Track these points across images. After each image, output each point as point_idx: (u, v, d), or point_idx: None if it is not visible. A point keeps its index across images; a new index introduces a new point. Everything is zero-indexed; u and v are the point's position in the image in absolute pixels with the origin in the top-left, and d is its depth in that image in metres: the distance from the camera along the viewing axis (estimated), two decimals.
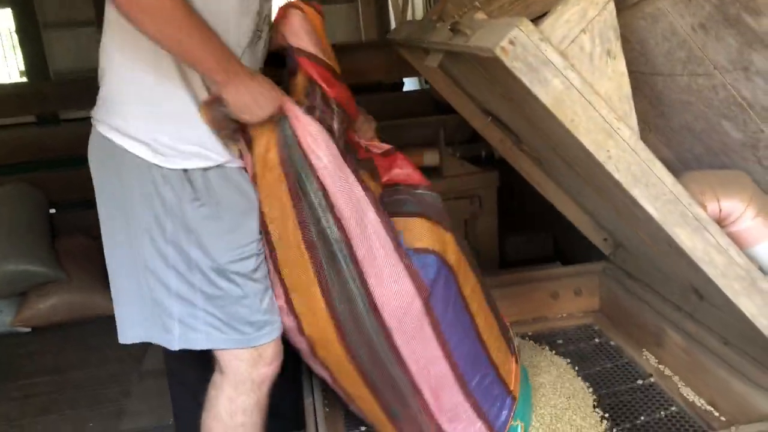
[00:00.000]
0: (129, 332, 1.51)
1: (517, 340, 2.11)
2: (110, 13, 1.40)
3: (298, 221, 1.44)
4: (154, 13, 1.22)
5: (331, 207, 1.42)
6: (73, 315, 3.45)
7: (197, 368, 1.85)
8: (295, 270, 1.47)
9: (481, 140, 2.42)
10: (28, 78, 5.25)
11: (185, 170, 1.41)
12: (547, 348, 2.08)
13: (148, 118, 1.40)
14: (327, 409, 1.74)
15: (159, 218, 1.41)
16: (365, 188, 1.47)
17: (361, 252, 1.43)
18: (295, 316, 1.50)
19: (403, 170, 1.64)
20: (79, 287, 3.46)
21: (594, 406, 1.78)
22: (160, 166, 1.40)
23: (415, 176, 1.64)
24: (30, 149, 3.89)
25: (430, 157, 3.02)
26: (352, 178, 1.45)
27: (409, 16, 2.97)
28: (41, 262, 3.41)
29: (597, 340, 2.13)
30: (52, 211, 3.90)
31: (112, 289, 1.52)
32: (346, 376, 1.54)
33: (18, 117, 4.29)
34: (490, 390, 1.58)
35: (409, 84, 4.76)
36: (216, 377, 1.56)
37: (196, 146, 1.41)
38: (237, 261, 1.45)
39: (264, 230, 1.49)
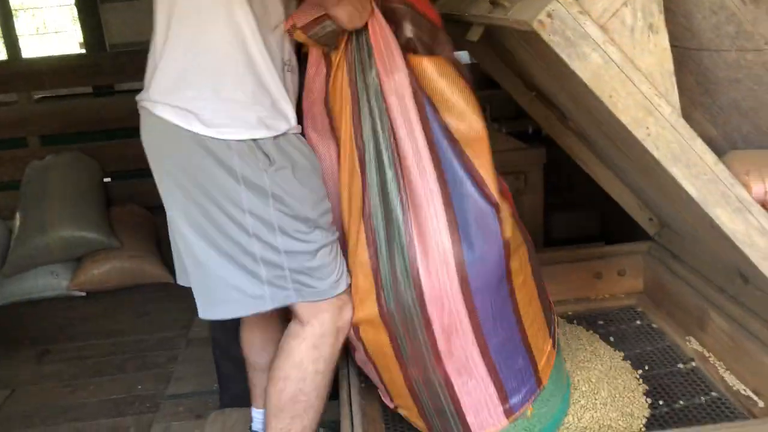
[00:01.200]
0: (213, 310, 1.56)
1: (561, 328, 2.09)
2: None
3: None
4: None
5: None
6: (125, 281, 3.56)
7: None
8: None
9: (528, 116, 2.38)
10: (86, 50, 5.38)
11: (254, 140, 1.45)
12: (591, 331, 2.06)
13: (214, 99, 1.43)
14: (362, 385, 1.77)
15: (229, 191, 1.44)
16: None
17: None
18: None
19: None
20: (131, 255, 3.57)
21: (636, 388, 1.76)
22: (225, 140, 1.43)
23: None
24: (86, 120, 4.00)
25: None
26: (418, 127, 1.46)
27: None
28: (96, 230, 3.53)
29: (639, 322, 2.09)
30: (107, 180, 4.02)
31: (191, 273, 1.55)
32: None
33: (75, 88, 4.41)
34: (513, 358, 1.51)
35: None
36: (295, 328, 1.57)
37: (263, 117, 1.45)
38: (323, 214, 1.53)
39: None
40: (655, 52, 1.20)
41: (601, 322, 2.10)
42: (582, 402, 1.70)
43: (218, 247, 1.48)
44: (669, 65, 1.21)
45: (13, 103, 4.11)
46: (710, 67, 1.39)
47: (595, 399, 1.71)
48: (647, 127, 1.21)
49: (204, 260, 1.50)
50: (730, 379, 1.72)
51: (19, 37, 5.91)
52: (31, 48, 8.39)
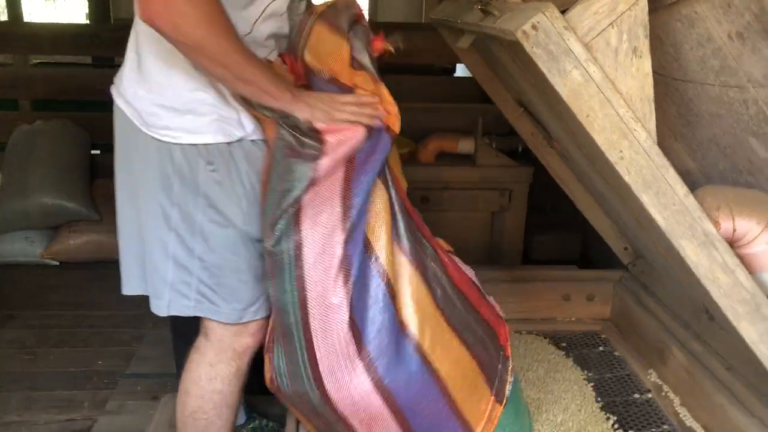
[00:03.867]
0: (129, 285, 1.55)
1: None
2: None
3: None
4: (209, 51, 1.25)
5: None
6: (100, 255, 3.53)
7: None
8: None
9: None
10: (90, 21, 5.36)
11: (205, 144, 1.40)
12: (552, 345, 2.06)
13: (163, 100, 1.39)
14: None
15: (167, 179, 1.41)
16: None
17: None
18: None
19: None
20: (110, 229, 3.48)
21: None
22: (178, 144, 1.40)
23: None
24: (80, 88, 3.96)
25: (465, 145, 2.99)
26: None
27: None
28: (77, 200, 3.49)
29: (602, 348, 2.09)
30: (95, 152, 3.98)
31: (119, 243, 1.54)
32: None
33: (76, 57, 4.37)
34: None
35: (461, 71, 4.70)
36: (200, 341, 1.56)
37: (217, 122, 1.40)
38: (249, 224, 1.44)
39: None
40: (637, 77, 1.19)
41: (564, 344, 2.10)
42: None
43: (142, 230, 1.46)
44: (649, 91, 1.20)
45: (8, 65, 4.07)
46: (694, 99, 1.39)
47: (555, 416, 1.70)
48: (621, 151, 1.21)
49: (129, 238, 1.49)
50: (684, 414, 1.72)
51: (24, 1, 5.88)
52: (41, 16, 8.35)
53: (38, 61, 4.53)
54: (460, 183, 2.94)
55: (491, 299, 1.62)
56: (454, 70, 4.43)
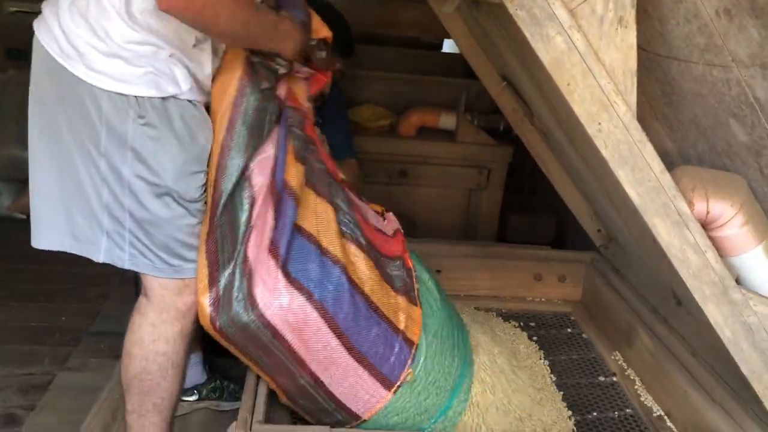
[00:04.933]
0: (45, 238, 1.46)
1: (486, 315, 2.07)
2: None
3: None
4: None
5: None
6: None
7: None
8: None
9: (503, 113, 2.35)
10: None
11: (136, 96, 1.36)
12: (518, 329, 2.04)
13: (100, 44, 1.34)
14: None
15: (94, 128, 1.36)
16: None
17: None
18: None
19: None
20: None
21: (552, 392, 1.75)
22: (106, 90, 1.34)
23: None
24: None
25: (446, 120, 2.95)
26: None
27: None
28: None
29: (570, 330, 2.08)
30: None
31: (31, 193, 1.46)
32: None
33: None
34: (367, 329, 1.45)
35: (449, 47, 4.65)
36: (141, 301, 1.52)
37: (150, 75, 1.36)
38: (187, 191, 1.42)
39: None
40: (621, 48, 1.17)
41: (532, 324, 2.09)
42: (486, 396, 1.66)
43: (71, 179, 1.39)
44: (633, 64, 1.18)
45: None
46: (676, 77, 1.37)
47: (504, 396, 1.68)
48: (600, 123, 1.18)
49: (49, 187, 1.42)
50: (647, 398, 1.72)
51: None
52: None
53: (15, 9, 4.40)
54: (438, 158, 2.91)
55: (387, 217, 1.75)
56: (441, 45, 4.37)
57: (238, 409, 1.45)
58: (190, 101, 1.42)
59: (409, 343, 1.48)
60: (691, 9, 1.21)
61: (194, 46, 1.41)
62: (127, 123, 1.35)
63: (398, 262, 1.60)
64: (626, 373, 1.82)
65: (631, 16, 1.15)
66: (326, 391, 1.44)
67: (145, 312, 1.50)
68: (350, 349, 1.41)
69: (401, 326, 1.48)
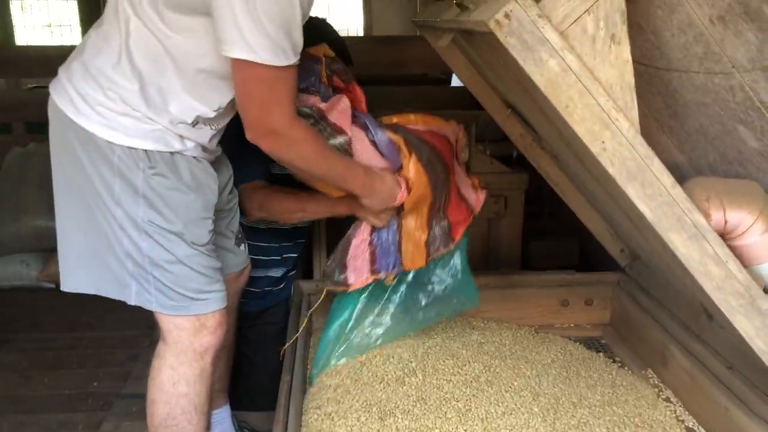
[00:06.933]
0: (74, 281, 1.54)
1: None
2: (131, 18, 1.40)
3: None
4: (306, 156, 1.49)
5: None
6: None
7: None
8: None
9: None
10: None
11: (145, 150, 1.44)
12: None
13: (110, 103, 1.42)
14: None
15: (108, 180, 1.43)
16: None
17: None
18: None
19: None
20: None
21: None
22: (117, 144, 1.42)
23: None
24: None
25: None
26: None
27: None
28: None
29: (602, 353, 2.03)
30: None
31: (58, 242, 1.54)
32: None
33: None
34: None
35: (457, 81, 4.68)
36: (159, 346, 1.56)
37: (159, 132, 1.44)
38: (192, 225, 1.49)
39: None
40: (616, 64, 1.16)
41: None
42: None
43: (94, 228, 1.46)
44: (630, 79, 1.17)
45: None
46: (678, 88, 1.35)
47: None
48: (603, 142, 1.17)
49: (75, 236, 1.50)
50: (686, 418, 1.66)
51: (24, 27, 5.93)
52: (38, 41, 8.40)
53: (33, 86, 4.53)
54: None
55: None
56: (448, 80, 4.41)
57: None
58: (195, 157, 1.46)
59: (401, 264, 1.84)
60: (685, 19, 1.20)
61: (194, 125, 1.48)
62: (138, 173, 1.43)
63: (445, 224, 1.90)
64: (663, 393, 1.77)
65: (623, 32, 1.14)
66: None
67: (163, 355, 1.53)
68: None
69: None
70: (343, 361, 1.81)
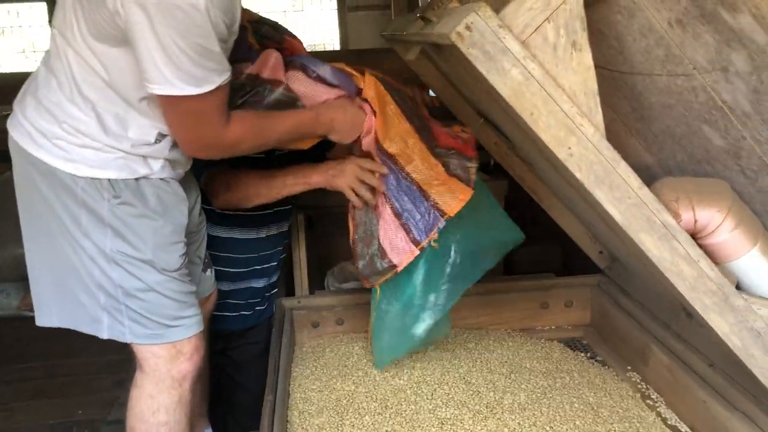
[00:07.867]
0: (48, 317, 1.54)
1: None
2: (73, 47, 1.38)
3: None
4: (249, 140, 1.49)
5: None
6: None
7: None
8: None
9: None
10: None
11: (109, 179, 1.43)
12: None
13: (67, 134, 1.42)
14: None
15: (74, 212, 1.42)
16: None
17: None
18: None
19: None
20: None
21: None
22: (80, 176, 1.41)
23: None
24: None
25: None
26: None
27: None
28: None
29: (583, 354, 2.04)
30: None
31: (30, 279, 1.55)
32: None
33: None
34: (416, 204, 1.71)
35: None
36: (137, 375, 1.55)
37: (121, 159, 1.43)
38: (162, 252, 1.48)
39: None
40: (579, 71, 1.17)
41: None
42: None
43: (63, 262, 1.45)
44: (593, 84, 1.18)
45: None
46: (643, 92, 1.37)
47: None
48: (569, 147, 1.18)
49: (45, 272, 1.49)
50: (669, 415, 1.67)
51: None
52: (13, 67, 8.37)
53: (6, 113, 4.49)
54: None
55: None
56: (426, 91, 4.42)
57: None
58: (162, 179, 1.45)
59: (442, 214, 1.69)
60: (645, 24, 1.22)
61: (157, 142, 1.47)
62: (103, 204, 1.41)
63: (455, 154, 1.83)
64: (645, 391, 1.78)
65: (583, 38, 1.15)
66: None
67: (141, 384, 1.52)
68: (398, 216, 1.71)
69: (441, 201, 1.70)
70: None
